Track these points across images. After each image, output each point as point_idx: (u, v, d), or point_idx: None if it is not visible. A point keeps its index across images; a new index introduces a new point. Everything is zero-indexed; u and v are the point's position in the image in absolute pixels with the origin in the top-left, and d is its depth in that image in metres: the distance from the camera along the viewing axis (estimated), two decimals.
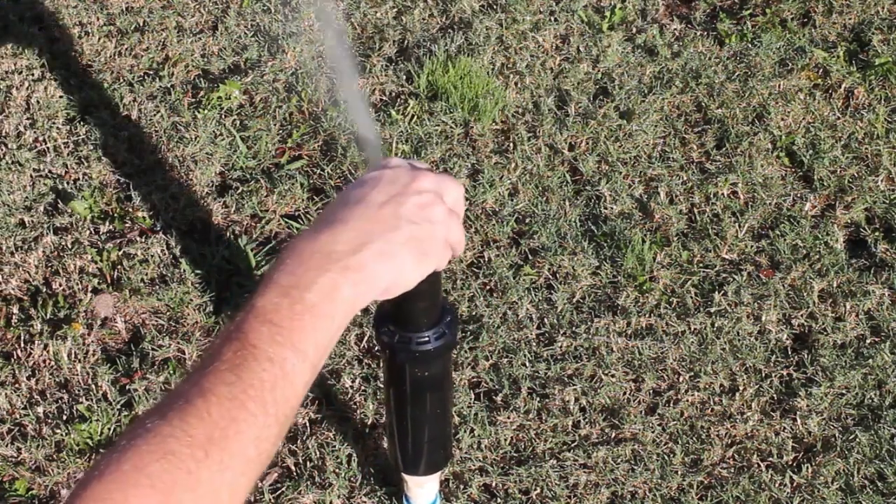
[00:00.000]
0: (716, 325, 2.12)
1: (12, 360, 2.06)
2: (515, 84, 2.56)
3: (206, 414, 0.72)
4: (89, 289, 2.16)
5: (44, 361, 2.06)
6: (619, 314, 2.14)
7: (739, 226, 2.28)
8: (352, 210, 0.85)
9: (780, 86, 2.56)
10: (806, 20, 2.75)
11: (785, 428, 1.99)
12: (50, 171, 2.38)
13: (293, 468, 1.93)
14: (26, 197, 2.32)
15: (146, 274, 2.19)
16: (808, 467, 1.93)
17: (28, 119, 2.48)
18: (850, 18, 2.74)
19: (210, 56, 2.64)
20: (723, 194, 2.35)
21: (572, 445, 1.96)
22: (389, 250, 0.84)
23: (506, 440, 1.96)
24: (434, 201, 0.88)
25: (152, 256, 2.21)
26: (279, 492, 1.89)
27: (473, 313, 2.14)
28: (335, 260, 0.81)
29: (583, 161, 2.40)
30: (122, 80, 2.57)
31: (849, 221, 2.32)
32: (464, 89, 2.48)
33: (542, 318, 2.13)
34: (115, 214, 2.30)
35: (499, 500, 1.90)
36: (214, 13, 2.74)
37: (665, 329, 2.11)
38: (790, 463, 1.95)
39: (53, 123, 2.46)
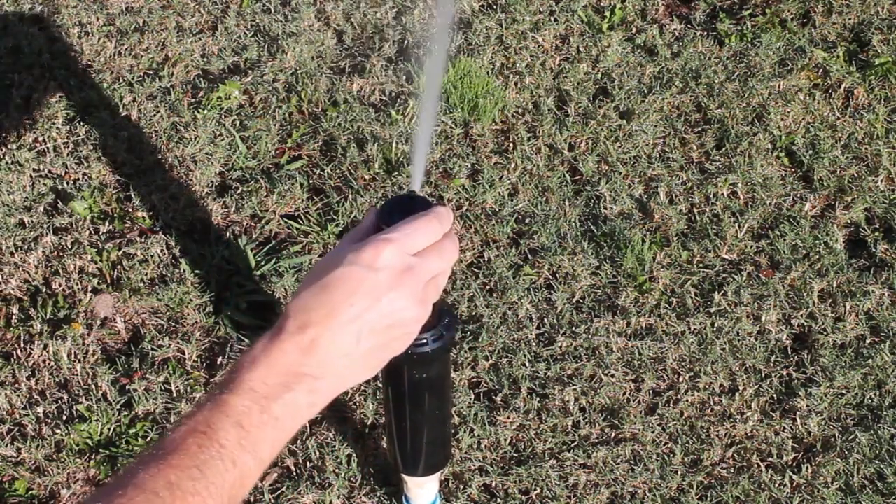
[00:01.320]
0: (716, 325, 2.12)
1: (12, 360, 2.06)
2: (515, 84, 2.56)
3: None
4: (89, 289, 2.16)
5: (44, 361, 2.06)
6: (619, 314, 2.14)
7: (739, 226, 2.28)
8: (327, 330, 0.88)
9: (780, 86, 2.56)
10: (806, 20, 2.75)
11: (785, 428, 1.99)
12: (50, 171, 2.38)
13: (293, 468, 1.93)
14: (26, 197, 2.32)
15: (146, 274, 2.19)
16: (808, 467, 1.93)
17: (28, 119, 2.48)
18: (850, 18, 2.73)
19: (210, 56, 2.64)
20: (723, 194, 2.35)
21: (572, 445, 1.96)
22: (353, 374, 0.91)
23: (506, 440, 1.96)
24: (408, 318, 0.93)
25: (152, 256, 2.21)
26: (279, 492, 1.90)
27: (473, 313, 2.14)
28: (303, 381, 0.87)
29: (583, 161, 2.40)
30: (122, 80, 2.57)
31: (849, 221, 2.31)
32: (463, 89, 2.48)
33: (542, 318, 2.13)
34: (115, 214, 2.30)
35: (499, 500, 1.90)
36: (214, 13, 2.74)
37: (665, 329, 2.11)
38: (790, 463, 1.95)
39: (53, 123, 2.46)
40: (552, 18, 2.72)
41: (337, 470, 1.91)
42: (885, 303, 2.16)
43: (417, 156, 1.13)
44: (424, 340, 1.24)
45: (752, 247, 2.26)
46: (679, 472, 1.93)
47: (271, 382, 0.84)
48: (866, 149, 2.44)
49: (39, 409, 1.99)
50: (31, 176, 2.36)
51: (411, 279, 0.91)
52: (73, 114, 2.49)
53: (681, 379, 2.05)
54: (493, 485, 1.91)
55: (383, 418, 1.92)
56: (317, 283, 0.88)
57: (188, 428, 0.81)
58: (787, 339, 2.12)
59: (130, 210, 2.31)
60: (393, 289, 0.90)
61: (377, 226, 0.97)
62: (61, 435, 1.95)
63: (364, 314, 0.89)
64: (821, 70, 2.62)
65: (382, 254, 0.89)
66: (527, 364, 2.05)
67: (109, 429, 1.97)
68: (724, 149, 2.44)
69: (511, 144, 2.45)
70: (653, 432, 1.97)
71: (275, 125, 2.48)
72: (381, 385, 1.99)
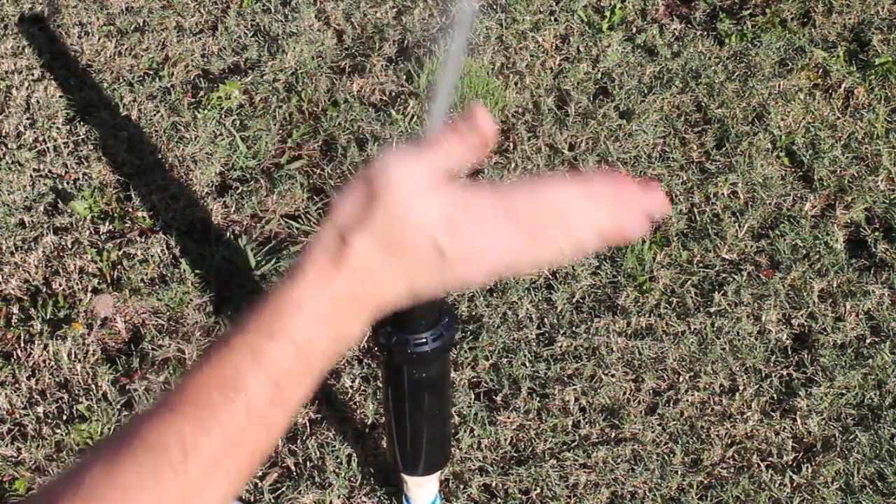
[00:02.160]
0: (716, 325, 2.12)
1: (12, 360, 2.07)
2: (515, 84, 2.56)
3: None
4: (89, 289, 2.16)
5: (44, 361, 2.06)
6: (619, 314, 2.14)
7: (739, 226, 2.28)
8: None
9: (780, 86, 2.56)
10: (806, 20, 2.75)
11: (785, 428, 1.99)
12: (50, 171, 2.38)
13: (293, 468, 1.93)
14: (26, 197, 2.32)
15: (146, 274, 2.19)
16: (808, 467, 1.93)
17: (28, 119, 2.48)
18: (850, 18, 2.73)
19: (210, 56, 2.64)
20: (723, 194, 2.35)
21: (572, 445, 1.96)
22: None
23: (506, 440, 1.96)
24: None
25: (152, 256, 2.21)
26: (279, 492, 1.89)
27: (473, 313, 2.14)
28: (357, 315, 0.72)
29: (583, 161, 2.40)
30: (122, 80, 2.57)
31: (849, 221, 2.31)
32: (464, 89, 2.48)
33: (542, 318, 2.13)
34: (115, 214, 2.30)
35: (499, 500, 1.90)
36: (214, 13, 2.74)
37: (665, 329, 2.11)
38: (790, 463, 1.95)
39: (53, 123, 2.47)
40: (552, 18, 2.72)
41: (337, 470, 1.91)
42: (886, 303, 2.16)
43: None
44: (424, 340, 1.24)
45: (752, 247, 2.26)
46: (679, 472, 1.92)
47: (316, 336, 0.68)
48: (866, 149, 2.44)
49: (39, 409, 1.99)
50: (31, 176, 2.36)
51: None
52: (73, 114, 2.49)
53: (681, 379, 2.05)
54: (493, 485, 1.91)
55: (383, 418, 1.92)
56: (391, 229, 0.68)
57: (214, 373, 0.67)
58: (787, 338, 2.12)
59: (130, 210, 2.31)
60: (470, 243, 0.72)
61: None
62: (61, 435, 1.95)
63: (428, 269, 0.72)
64: (821, 70, 2.62)
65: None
66: (527, 364, 2.05)
67: (109, 428, 1.97)
68: (724, 149, 2.44)
69: (511, 144, 2.45)
70: (653, 432, 1.97)
71: (275, 125, 2.48)
72: (381, 385, 1.99)
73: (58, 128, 2.46)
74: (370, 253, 0.69)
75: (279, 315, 0.67)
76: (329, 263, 0.69)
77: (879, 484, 1.91)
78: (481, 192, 0.70)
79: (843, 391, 2.03)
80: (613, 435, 1.97)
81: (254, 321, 0.68)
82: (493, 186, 0.70)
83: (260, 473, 1.92)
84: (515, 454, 1.95)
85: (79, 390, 2.02)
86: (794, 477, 1.92)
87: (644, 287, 2.18)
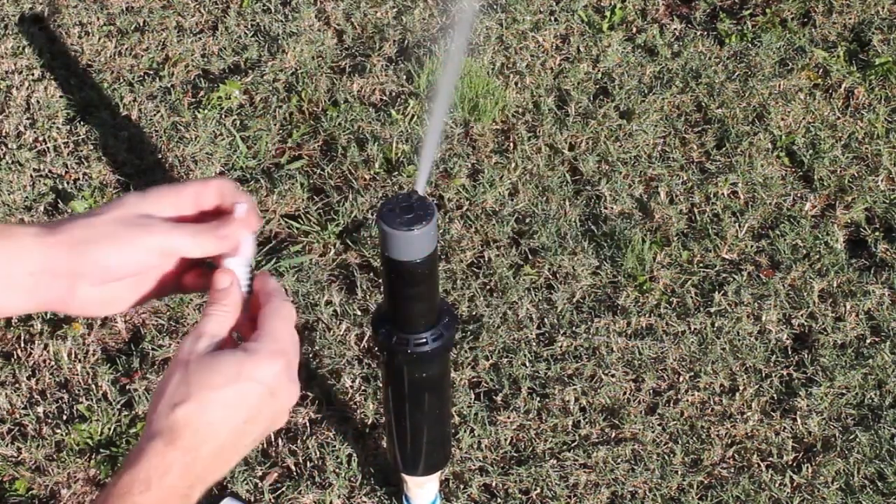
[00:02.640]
0: (716, 325, 2.12)
1: (12, 360, 2.07)
2: (515, 84, 2.56)
3: None
4: None
5: (44, 361, 2.06)
6: (619, 314, 2.14)
7: (739, 226, 2.28)
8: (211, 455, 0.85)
9: (780, 86, 2.56)
10: (806, 20, 2.75)
11: (785, 428, 1.99)
12: (50, 171, 2.38)
13: (293, 468, 1.93)
14: (26, 197, 2.32)
15: None
16: (808, 467, 1.93)
17: (28, 119, 2.48)
18: (850, 18, 2.73)
19: (210, 56, 2.64)
20: (723, 194, 2.35)
21: (572, 445, 1.96)
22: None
23: (506, 440, 1.96)
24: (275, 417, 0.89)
25: None
26: (279, 492, 1.90)
27: (473, 313, 2.14)
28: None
29: (583, 161, 2.40)
30: (122, 80, 2.57)
31: (849, 221, 2.31)
32: (464, 89, 2.48)
33: (542, 318, 2.13)
34: None
35: (499, 500, 1.90)
36: (214, 13, 2.74)
37: (665, 329, 2.11)
38: (790, 463, 1.95)
39: (53, 123, 2.47)
40: (552, 18, 2.72)
41: (337, 470, 1.91)
42: (886, 302, 2.16)
43: (424, 155, 1.13)
44: (424, 340, 1.24)
45: (752, 247, 2.26)
46: (679, 472, 1.93)
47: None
48: (866, 148, 2.44)
49: (40, 409, 1.99)
50: (31, 176, 2.36)
51: (294, 385, 0.88)
52: (73, 114, 2.49)
53: (681, 379, 2.05)
54: (494, 484, 1.92)
55: (383, 418, 1.92)
56: (211, 391, 0.83)
57: None
58: (787, 338, 2.12)
59: None
60: (287, 402, 0.88)
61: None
62: (62, 435, 1.95)
63: (256, 435, 0.87)
64: (821, 70, 2.62)
65: (278, 370, 0.86)
66: (527, 364, 2.05)
67: (110, 428, 1.97)
68: (724, 149, 2.44)
69: (511, 144, 2.45)
70: (653, 432, 1.97)
71: (275, 125, 2.49)
72: (381, 385, 1.99)
73: (58, 128, 2.46)
74: (198, 424, 0.82)
75: (129, 495, 0.80)
76: (165, 442, 0.81)
77: (879, 484, 1.91)
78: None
79: (844, 391, 2.03)
80: (613, 435, 1.97)
81: (105, 500, 0.80)
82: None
83: (260, 473, 1.92)
84: (515, 454, 1.95)
85: (79, 390, 2.02)
86: (795, 477, 1.92)
87: (644, 287, 2.18)
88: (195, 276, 0.92)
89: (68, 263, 0.85)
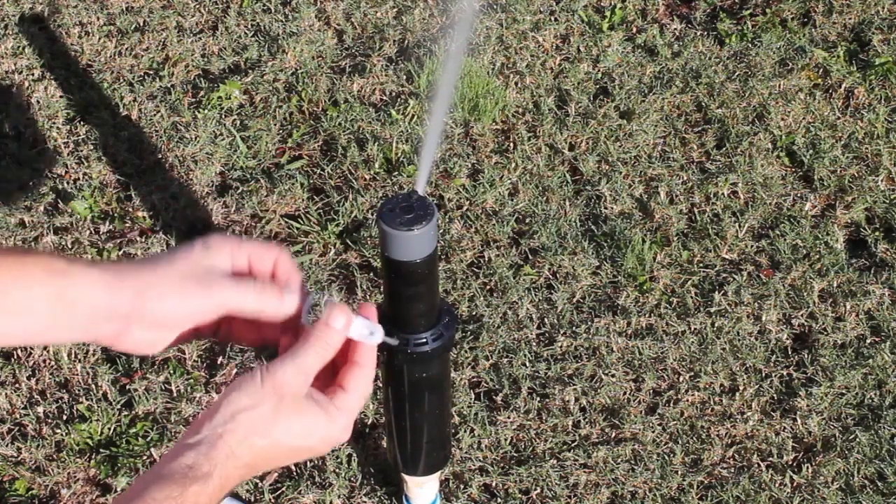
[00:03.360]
0: (716, 325, 2.12)
1: (12, 360, 2.07)
2: (515, 84, 2.56)
3: None
4: None
5: (44, 361, 2.06)
6: (619, 314, 2.14)
7: (739, 226, 2.28)
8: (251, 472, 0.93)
9: (780, 86, 2.56)
10: (806, 20, 2.75)
11: (785, 428, 1.99)
12: (50, 171, 2.38)
13: (293, 468, 1.93)
14: (26, 197, 2.32)
15: None
16: (808, 467, 1.93)
17: (28, 119, 2.48)
18: (850, 18, 2.73)
19: (210, 56, 2.64)
20: (723, 194, 2.35)
21: (572, 445, 1.96)
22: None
23: (506, 440, 1.96)
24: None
25: None
26: (279, 492, 1.90)
27: (473, 313, 2.14)
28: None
29: (583, 161, 2.40)
30: (122, 80, 2.57)
31: (849, 221, 2.31)
32: (464, 89, 2.48)
33: (542, 318, 2.13)
34: (115, 214, 2.30)
35: (499, 500, 1.90)
36: (214, 13, 2.74)
37: (665, 329, 2.11)
38: (790, 463, 1.95)
39: (53, 123, 2.47)
40: (552, 18, 2.72)
41: (337, 470, 1.91)
42: (886, 302, 2.16)
43: (425, 155, 1.13)
44: (424, 340, 1.24)
45: (752, 246, 2.26)
46: (679, 472, 1.93)
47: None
48: (867, 149, 2.44)
49: (40, 409, 1.99)
50: (31, 176, 2.36)
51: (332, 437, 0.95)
52: (73, 114, 2.49)
53: (681, 379, 2.05)
54: (494, 484, 1.92)
55: (383, 418, 1.92)
56: (287, 441, 0.91)
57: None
58: (787, 338, 2.12)
59: (131, 210, 2.31)
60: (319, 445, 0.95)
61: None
62: (62, 435, 1.95)
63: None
64: (821, 70, 2.62)
65: (332, 441, 0.94)
66: (527, 364, 2.05)
67: (110, 428, 1.97)
68: (724, 149, 2.44)
69: (511, 144, 2.45)
70: (653, 432, 1.97)
71: (275, 125, 2.49)
72: (381, 385, 1.99)
73: (58, 128, 2.46)
74: (264, 455, 0.90)
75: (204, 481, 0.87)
76: (233, 466, 0.88)
77: (879, 484, 1.91)
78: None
79: (844, 391, 2.03)
80: (613, 435, 1.97)
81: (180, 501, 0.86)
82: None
83: (260, 473, 1.92)
84: (515, 454, 1.95)
85: (79, 390, 2.02)
86: (795, 477, 1.92)
87: (644, 287, 2.18)
88: (245, 328, 0.97)
89: (131, 308, 0.89)
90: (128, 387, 2.01)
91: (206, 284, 0.91)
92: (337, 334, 0.94)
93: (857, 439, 1.95)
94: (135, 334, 0.91)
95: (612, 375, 2.04)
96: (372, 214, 2.30)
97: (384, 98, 2.54)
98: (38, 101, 2.51)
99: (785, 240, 2.26)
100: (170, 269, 0.91)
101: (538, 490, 1.90)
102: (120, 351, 0.97)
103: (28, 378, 2.04)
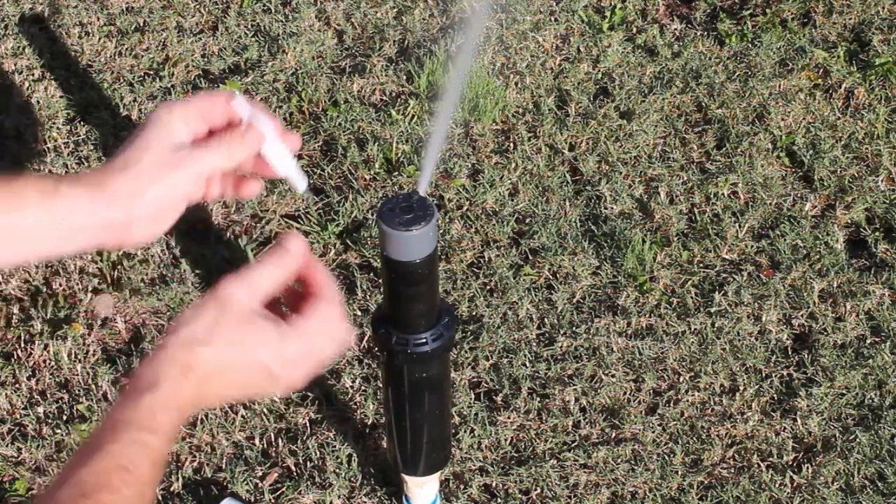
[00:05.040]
0: (716, 325, 2.12)
1: (12, 360, 2.07)
2: (515, 84, 2.56)
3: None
4: (89, 289, 2.16)
5: (44, 361, 2.06)
6: (619, 314, 2.14)
7: (739, 226, 2.28)
8: (217, 395, 0.92)
9: (780, 86, 2.56)
10: (806, 20, 2.75)
11: (785, 428, 1.99)
12: (50, 171, 2.38)
13: (293, 468, 1.93)
14: None
15: (146, 274, 2.19)
16: (808, 467, 1.93)
17: (28, 119, 2.48)
18: (850, 18, 2.73)
19: (210, 56, 2.64)
20: (723, 194, 2.35)
21: (572, 445, 1.96)
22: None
23: (506, 440, 1.96)
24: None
25: (152, 256, 2.21)
26: (279, 492, 1.90)
27: (473, 313, 2.14)
28: (184, 420, 0.92)
29: (583, 161, 2.40)
30: (122, 80, 2.57)
31: (849, 221, 2.31)
32: (464, 89, 2.48)
33: (542, 318, 2.13)
34: None
35: (499, 500, 1.90)
36: (214, 13, 2.74)
37: (665, 329, 2.11)
38: (790, 463, 1.95)
39: (53, 123, 2.47)
40: (552, 18, 2.72)
41: (337, 470, 1.91)
42: (886, 303, 2.16)
43: (428, 156, 1.13)
44: (424, 340, 1.24)
45: (752, 247, 2.26)
46: (679, 472, 1.93)
47: (175, 425, 0.89)
48: (867, 149, 2.44)
49: (40, 409, 1.99)
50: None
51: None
52: (73, 114, 2.49)
53: (681, 379, 2.05)
54: (494, 485, 1.92)
55: (383, 418, 1.92)
56: (229, 348, 0.90)
57: (112, 463, 0.84)
58: (787, 339, 2.12)
59: None
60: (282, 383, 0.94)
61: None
62: (62, 435, 1.95)
63: (245, 394, 0.94)
64: (821, 70, 2.62)
65: (290, 367, 0.92)
66: (527, 364, 2.05)
67: None
68: (724, 149, 2.44)
69: (511, 144, 2.45)
70: (653, 432, 1.97)
71: None
72: (381, 385, 1.99)
73: (58, 128, 2.46)
74: (212, 367, 0.88)
75: (153, 414, 0.87)
76: (179, 372, 0.88)
77: (879, 484, 1.91)
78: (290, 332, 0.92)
79: (844, 391, 2.03)
80: (613, 435, 1.97)
81: (132, 420, 0.87)
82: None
83: (260, 474, 1.92)
84: (515, 454, 1.95)
85: (79, 390, 2.02)
86: (795, 477, 1.92)
87: (644, 287, 2.18)
88: (228, 183, 1.00)
89: (125, 214, 0.93)
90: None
91: (182, 166, 0.93)
92: (289, 255, 0.93)
93: (857, 439, 1.95)
94: (138, 232, 0.94)
95: (612, 375, 2.04)
96: (372, 214, 2.30)
97: (384, 98, 2.54)
98: (38, 101, 2.51)
99: (785, 240, 2.26)
100: (145, 166, 0.93)
101: (538, 490, 1.90)
102: (128, 247, 0.99)
103: (28, 378, 2.03)
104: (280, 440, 1.96)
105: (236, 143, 0.96)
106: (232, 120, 0.98)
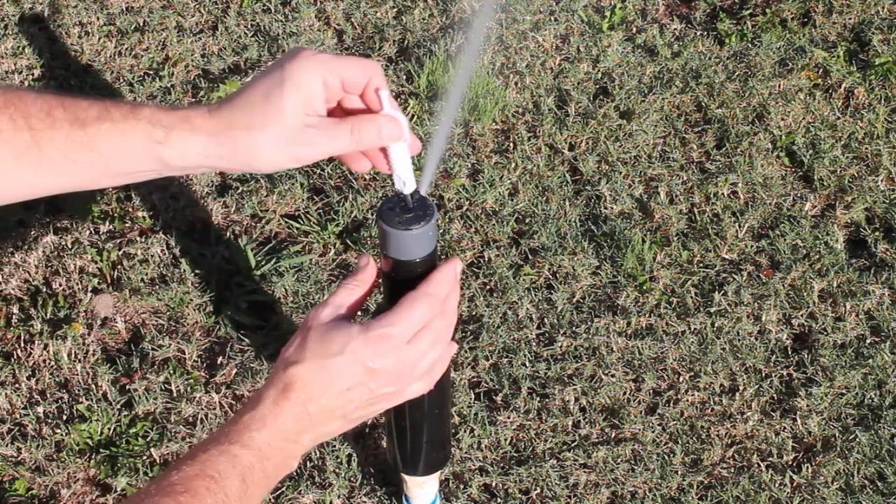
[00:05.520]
0: (716, 325, 2.12)
1: (12, 360, 2.07)
2: (515, 84, 2.56)
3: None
4: (89, 289, 2.16)
5: (44, 361, 2.06)
6: (619, 314, 2.14)
7: (739, 226, 2.28)
8: (325, 415, 0.98)
9: (780, 86, 2.56)
10: (806, 20, 2.75)
11: (785, 428, 1.99)
12: None
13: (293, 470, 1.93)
14: None
15: (146, 274, 2.19)
16: (808, 467, 1.93)
17: None
18: (850, 18, 2.73)
19: (210, 56, 2.64)
20: (723, 194, 2.35)
21: (572, 445, 1.96)
22: (332, 435, 1.04)
23: (506, 440, 1.96)
24: (396, 397, 1.03)
25: (152, 256, 2.21)
26: (279, 492, 1.90)
27: (473, 313, 2.14)
28: (295, 449, 0.99)
29: (583, 161, 2.40)
30: (122, 80, 2.57)
31: (849, 221, 2.31)
32: (466, 89, 2.48)
33: (542, 318, 2.13)
34: (115, 214, 2.30)
35: (499, 500, 1.90)
36: (214, 13, 2.74)
37: (665, 329, 2.11)
38: (790, 463, 1.95)
39: None
40: (552, 18, 2.72)
41: (337, 470, 1.91)
42: (886, 303, 2.16)
43: (430, 157, 1.13)
44: None
45: (752, 247, 2.26)
46: (679, 472, 1.93)
47: (274, 445, 0.94)
48: (866, 149, 2.44)
49: (40, 409, 1.99)
50: None
51: (406, 372, 1.00)
52: None
53: (681, 379, 2.05)
54: (494, 484, 1.92)
55: (383, 418, 1.92)
56: (320, 358, 0.95)
57: (199, 470, 0.90)
58: (787, 338, 2.12)
59: (130, 210, 2.31)
60: (388, 384, 0.99)
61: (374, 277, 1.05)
62: (61, 435, 1.95)
63: (358, 404, 0.99)
64: (821, 70, 2.62)
65: (381, 352, 0.96)
66: (527, 364, 2.05)
67: (110, 428, 1.97)
68: (724, 149, 2.44)
69: (511, 144, 2.45)
70: (653, 432, 1.97)
71: None
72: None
73: None
74: (309, 381, 0.94)
75: (247, 430, 0.93)
76: (279, 392, 0.94)
77: (879, 484, 1.91)
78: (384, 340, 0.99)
79: (843, 391, 2.03)
80: (613, 435, 1.97)
81: (226, 433, 0.93)
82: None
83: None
84: (515, 454, 1.95)
85: (79, 390, 2.02)
86: (794, 477, 1.92)
87: (644, 287, 2.18)
88: (353, 160, 1.02)
89: (240, 167, 0.95)
90: (128, 387, 2.01)
91: (309, 143, 0.93)
92: (365, 272, 1.00)
93: (857, 439, 1.96)
94: (247, 167, 0.96)
95: (612, 375, 2.04)
96: (372, 214, 2.30)
97: None
98: None
99: (785, 240, 2.26)
100: (272, 134, 0.91)
101: (538, 490, 1.90)
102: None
103: (28, 378, 2.03)
104: None
105: (372, 135, 0.95)
106: (368, 101, 0.97)
